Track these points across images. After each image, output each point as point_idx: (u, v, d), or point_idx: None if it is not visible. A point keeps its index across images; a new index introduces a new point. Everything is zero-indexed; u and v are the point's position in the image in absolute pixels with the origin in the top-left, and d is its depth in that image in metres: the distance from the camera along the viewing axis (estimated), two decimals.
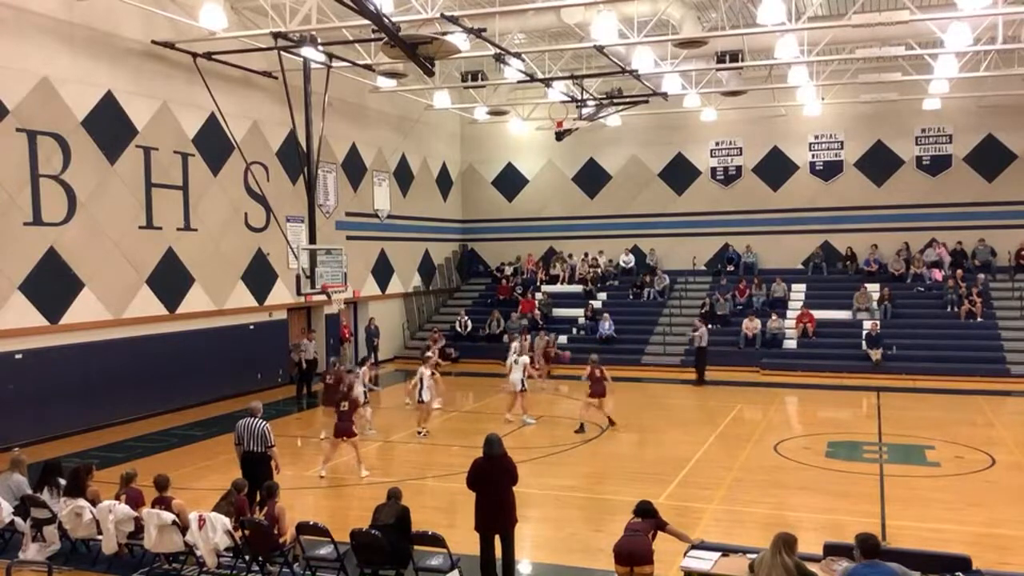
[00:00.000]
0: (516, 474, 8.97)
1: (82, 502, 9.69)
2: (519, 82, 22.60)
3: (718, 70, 22.07)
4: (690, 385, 22.18)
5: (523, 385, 17.64)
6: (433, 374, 17.47)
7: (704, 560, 7.68)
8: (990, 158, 26.79)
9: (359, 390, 16.12)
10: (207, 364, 19.84)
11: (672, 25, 19.70)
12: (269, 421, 11.35)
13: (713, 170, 29.88)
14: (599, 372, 16.54)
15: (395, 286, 28.61)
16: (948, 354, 23.10)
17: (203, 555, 9.02)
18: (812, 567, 7.00)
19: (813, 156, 28.78)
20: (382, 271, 27.81)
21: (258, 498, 10.20)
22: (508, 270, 31.35)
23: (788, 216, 28.86)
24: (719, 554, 7.77)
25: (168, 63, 18.91)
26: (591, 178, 31.17)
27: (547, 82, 22.92)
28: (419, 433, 16.42)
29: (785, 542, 6.78)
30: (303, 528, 9.09)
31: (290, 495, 11.89)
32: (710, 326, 24.37)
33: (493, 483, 8.79)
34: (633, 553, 7.64)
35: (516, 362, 17.89)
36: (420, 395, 16.40)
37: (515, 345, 19.69)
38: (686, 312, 27.16)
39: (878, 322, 24.40)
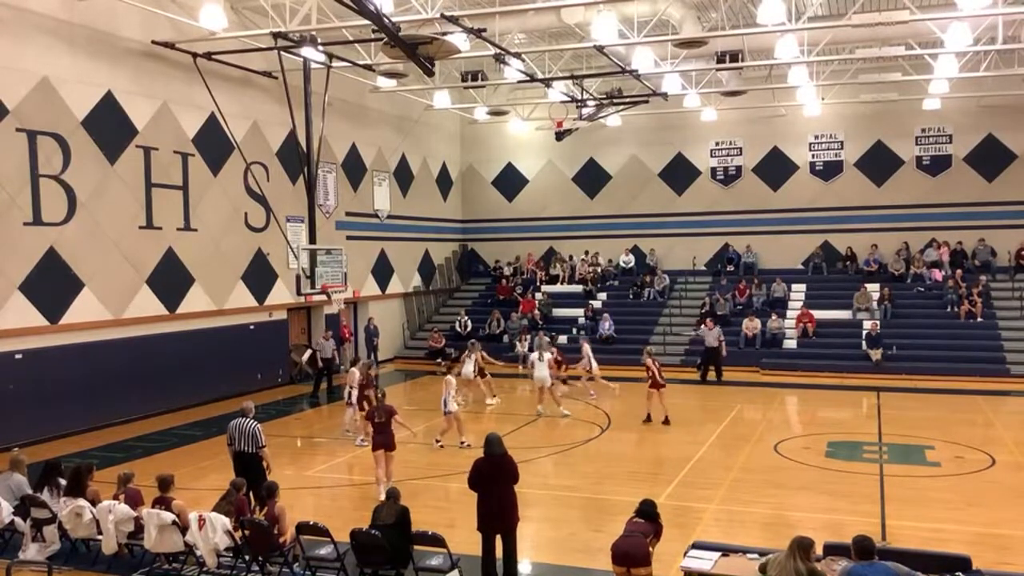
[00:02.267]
0: (517, 473, 8.98)
1: (82, 502, 9.68)
2: (519, 82, 22.60)
3: (718, 70, 22.07)
4: (703, 384, 22.39)
5: (551, 380, 18.30)
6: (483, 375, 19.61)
7: (704, 560, 7.67)
8: (990, 158, 26.78)
9: (352, 392, 16.29)
10: (207, 364, 19.84)
11: (672, 25, 19.69)
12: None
13: (713, 170, 29.87)
14: (656, 365, 17.68)
15: (395, 286, 28.61)
16: (948, 354, 23.09)
17: (203, 555, 9.02)
18: None
19: (813, 156, 28.78)
20: (382, 271, 27.81)
21: (253, 501, 10.19)
22: (507, 269, 31.35)
23: (788, 216, 28.85)
24: (719, 554, 7.76)
25: (168, 63, 18.92)
26: (591, 178, 31.16)
27: (547, 82, 22.92)
28: (462, 444, 15.26)
29: (800, 546, 6.74)
30: (303, 528, 9.09)
31: (290, 495, 11.89)
32: (699, 327, 24.44)
33: (495, 483, 8.79)
34: (630, 554, 7.63)
35: (540, 359, 18.42)
36: (446, 405, 15.18)
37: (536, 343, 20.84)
38: (686, 312, 27.15)
39: (878, 322, 24.39)
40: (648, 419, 17.49)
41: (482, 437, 9.13)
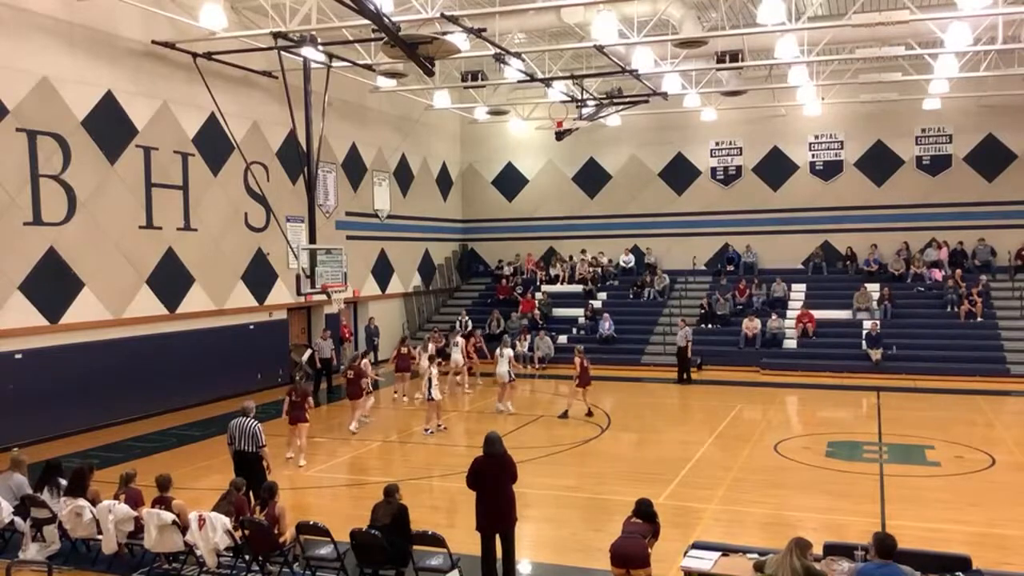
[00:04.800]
0: (516, 472, 8.96)
1: (82, 502, 9.67)
2: (519, 82, 22.60)
3: (718, 70, 22.08)
4: (679, 384, 22.53)
5: (510, 377, 18.76)
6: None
7: (704, 560, 7.67)
8: (990, 158, 26.79)
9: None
10: (207, 364, 19.83)
11: (672, 25, 19.70)
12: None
13: (713, 170, 29.88)
14: (587, 362, 18.13)
15: (395, 286, 28.61)
16: (948, 354, 23.10)
17: (203, 555, 9.02)
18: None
19: (813, 156, 28.78)
20: (382, 271, 27.81)
21: (253, 502, 10.17)
22: (507, 269, 31.36)
23: (788, 216, 28.86)
24: (719, 554, 7.76)
25: (168, 63, 18.91)
26: (591, 178, 31.17)
27: (547, 82, 22.92)
28: (428, 431, 16.66)
29: (799, 545, 6.77)
30: (303, 528, 9.08)
31: (290, 495, 11.90)
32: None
33: (494, 482, 8.78)
34: (629, 556, 7.62)
35: (501, 355, 18.94)
36: (429, 392, 16.51)
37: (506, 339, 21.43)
38: (686, 312, 27.14)
39: (878, 322, 24.40)
40: (565, 415, 17.91)
41: (479, 437, 9.10)
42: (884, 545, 6.65)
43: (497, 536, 8.80)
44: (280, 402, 20.21)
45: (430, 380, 16.52)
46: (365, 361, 17.72)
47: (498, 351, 19.33)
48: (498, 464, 8.83)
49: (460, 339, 22.36)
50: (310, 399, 14.51)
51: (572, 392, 18.17)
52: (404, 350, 20.65)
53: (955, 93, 25.10)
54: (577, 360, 17.99)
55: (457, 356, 21.65)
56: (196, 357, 19.61)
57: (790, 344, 25.19)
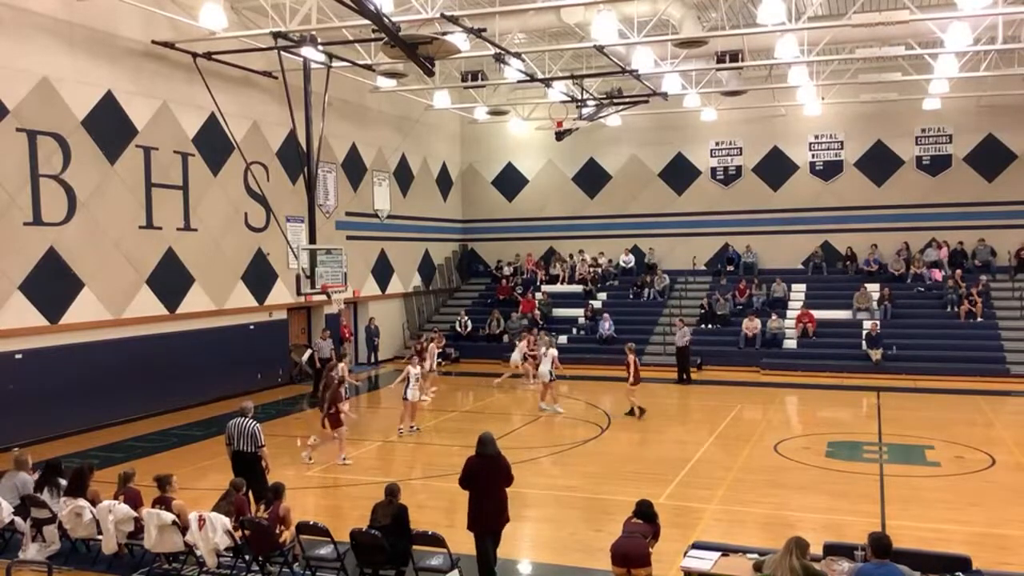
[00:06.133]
0: (511, 474, 8.92)
1: (82, 502, 9.68)
2: (519, 82, 22.59)
3: (718, 70, 22.08)
4: (679, 384, 22.51)
5: (552, 376, 18.71)
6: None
7: (704, 560, 7.67)
8: (990, 158, 26.80)
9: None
10: (207, 364, 19.82)
11: (672, 25, 19.70)
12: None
13: (713, 170, 29.88)
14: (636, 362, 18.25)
15: (395, 286, 28.61)
16: (948, 354, 23.09)
17: (203, 555, 9.02)
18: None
19: (813, 156, 28.79)
20: (382, 271, 27.81)
21: (253, 505, 10.16)
22: (507, 269, 31.37)
23: (788, 216, 28.86)
24: (719, 554, 7.76)
25: (168, 63, 18.92)
26: (591, 178, 31.17)
27: (547, 82, 22.91)
28: (400, 431, 16.63)
29: (798, 545, 6.79)
30: (303, 528, 9.09)
31: (290, 495, 11.85)
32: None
33: (487, 482, 8.75)
34: (629, 555, 7.63)
35: (545, 354, 18.97)
36: (405, 392, 16.51)
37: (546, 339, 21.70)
38: (686, 312, 27.15)
39: (878, 322, 24.40)
40: (632, 412, 17.96)
41: (476, 437, 9.07)
42: (880, 544, 6.66)
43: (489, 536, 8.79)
44: (277, 404, 20.48)
45: (407, 380, 16.50)
46: (341, 364, 17.26)
47: (542, 351, 19.40)
48: (492, 465, 8.80)
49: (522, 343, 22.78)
50: (338, 404, 14.39)
51: (628, 391, 18.08)
52: (419, 346, 21.08)
53: (955, 93, 25.11)
54: (631, 358, 17.95)
55: (516, 356, 22.19)
56: (196, 357, 19.60)
57: (790, 344, 25.19)
